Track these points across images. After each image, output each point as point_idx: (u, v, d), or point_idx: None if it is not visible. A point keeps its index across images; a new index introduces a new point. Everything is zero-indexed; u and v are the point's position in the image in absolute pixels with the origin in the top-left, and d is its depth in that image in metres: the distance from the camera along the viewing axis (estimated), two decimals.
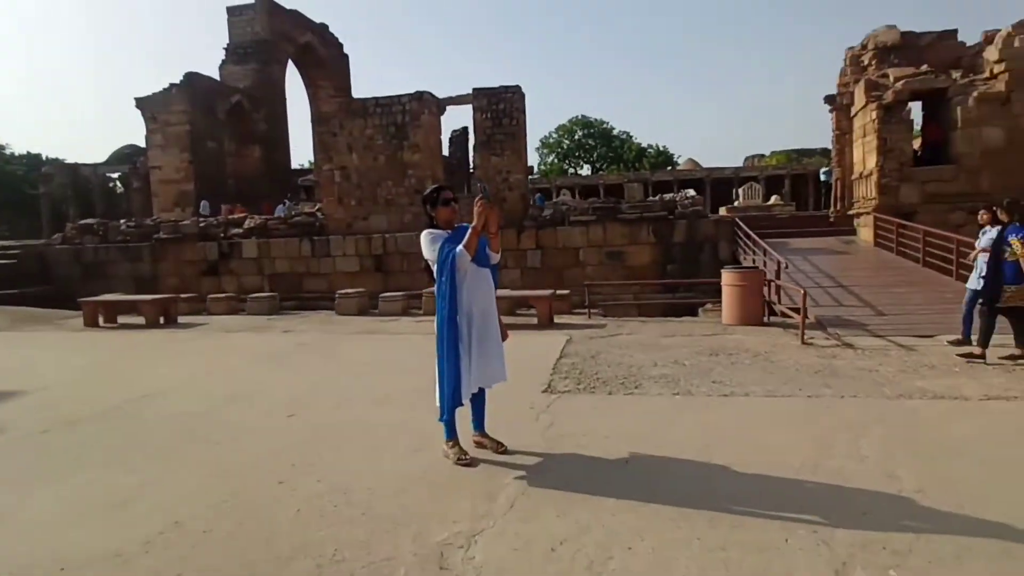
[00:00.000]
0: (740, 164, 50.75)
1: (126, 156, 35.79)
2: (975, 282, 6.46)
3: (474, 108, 16.43)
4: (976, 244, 6.84)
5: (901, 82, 13.48)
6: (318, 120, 33.81)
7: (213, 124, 25.21)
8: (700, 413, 4.48)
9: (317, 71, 33.14)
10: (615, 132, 63.55)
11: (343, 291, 11.50)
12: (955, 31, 14.45)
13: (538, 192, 29.49)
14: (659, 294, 14.71)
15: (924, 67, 13.86)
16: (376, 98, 17.02)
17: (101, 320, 10.51)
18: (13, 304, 15.07)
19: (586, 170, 60.24)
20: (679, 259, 14.88)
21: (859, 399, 4.67)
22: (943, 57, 14.34)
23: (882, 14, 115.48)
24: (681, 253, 14.87)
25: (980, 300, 6.11)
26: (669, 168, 53.62)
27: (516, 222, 16.19)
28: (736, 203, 25.44)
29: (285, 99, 30.84)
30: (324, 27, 33.14)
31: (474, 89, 16.42)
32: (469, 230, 3.40)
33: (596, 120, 63.13)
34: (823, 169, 23.91)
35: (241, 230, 17.69)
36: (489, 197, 3.46)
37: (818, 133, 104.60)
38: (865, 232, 14.37)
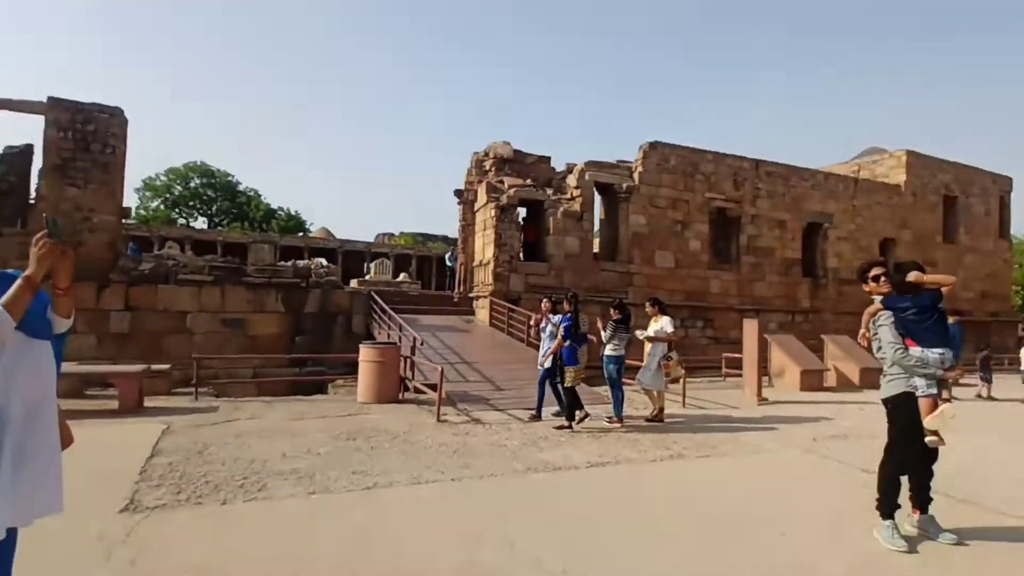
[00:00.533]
0: (372, 239, 52.91)
1: None
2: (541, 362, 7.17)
3: (48, 122, 12.56)
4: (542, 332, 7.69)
5: (513, 190, 15.82)
6: None
7: None
8: (343, 516, 3.56)
9: None
10: (241, 187, 59.13)
11: None
12: (549, 157, 18.00)
13: (131, 241, 24.43)
14: (285, 369, 13.24)
15: (529, 181, 16.65)
16: None
17: None
18: None
19: (202, 223, 53.90)
20: (310, 331, 13.77)
21: (497, 478, 4.46)
22: (541, 176, 17.57)
23: (501, 131, 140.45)
24: (313, 324, 13.81)
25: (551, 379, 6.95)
26: (301, 234, 52.28)
27: (98, 275, 12.65)
28: (368, 277, 25.84)
29: None
30: None
31: (50, 98, 12.63)
32: (18, 280, 1.87)
33: (219, 171, 57.68)
34: (448, 254, 26.43)
35: None
36: (62, 236, 2.00)
37: (442, 220, 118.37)
38: (483, 313, 15.93)
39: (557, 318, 7.18)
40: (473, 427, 6.44)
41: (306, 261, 15.16)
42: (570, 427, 6.50)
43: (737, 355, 10.57)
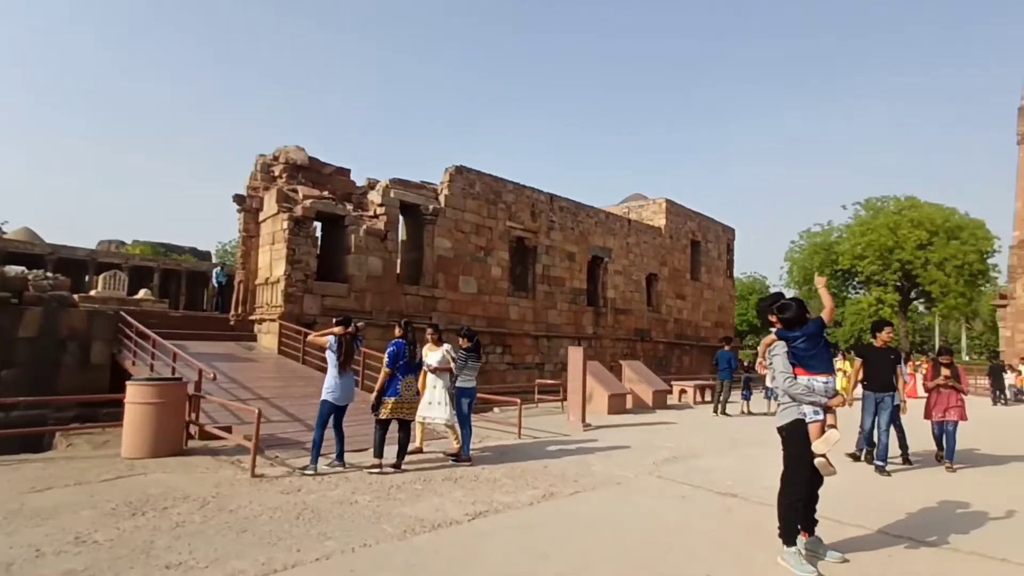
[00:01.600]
0: (94, 247, 43.88)
1: None
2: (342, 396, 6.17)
3: None
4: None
5: (309, 201, 14.30)
6: None
7: None
8: None
9: None
10: None
11: None
12: (350, 170, 16.74)
13: None
14: None
15: (326, 193, 15.25)
16: None
17: None
18: None
19: None
20: (27, 362, 10.47)
21: (371, 548, 3.54)
22: (339, 188, 16.23)
23: (291, 132, 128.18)
24: (31, 353, 10.52)
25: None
26: None
27: None
28: (93, 292, 20.95)
29: None
30: None
31: None
32: None
33: None
34: (217, 269, 22.98)
35: None
36: None
37: (194, 228, 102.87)
38: (269, 339, 13.97)
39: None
40: (302, 481, 5.24)
41: (19, 269, 11.63)
42: (379, 467, 5.67)
43: (551, 381, 10.76)
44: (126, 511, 4.03)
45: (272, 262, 14.34)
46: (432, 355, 6.47)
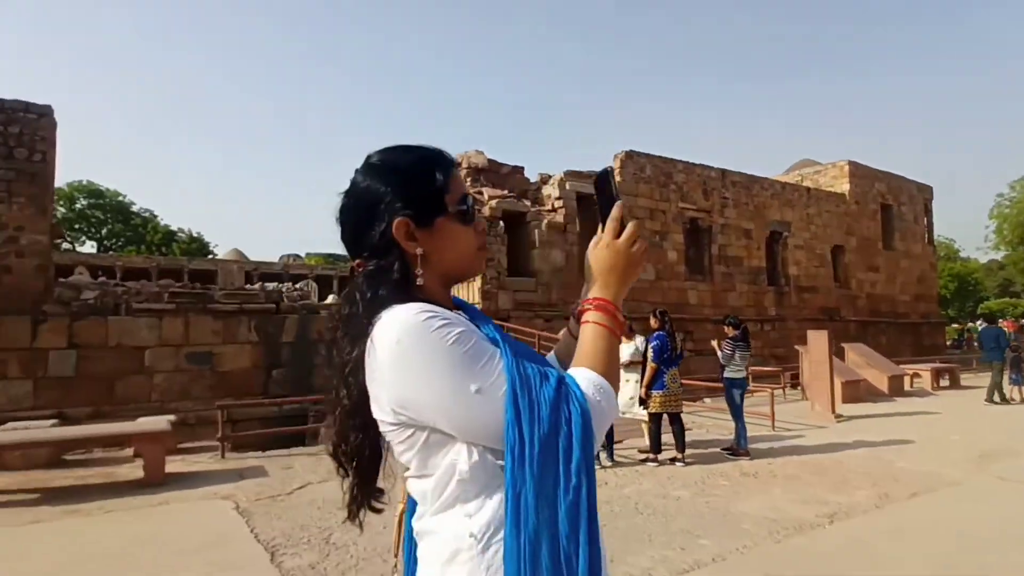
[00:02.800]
0: (276, 260, 49.54)
1: None
2: None
3: None
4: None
5: (495, 201, 14.97)
6: None
7: None
8: None
9: None
10: (135, 208, 53.47)
11: None
12: (523, 167, 17.28)
13: None
14: (260, 408, 11.52)
15: (507, 192, 15.86)
16: None
17: None
18: None
19: (89, 247, 48.07)
20: (288, 362, 12.12)
21: (755, 549, 3.65)
22: (516, 186, 16.81)
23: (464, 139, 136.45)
24: (291, 355, 12.16)
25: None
26: (210, 256, 47.95)
27: (30, 307, 10.41)
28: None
29: None
30: None
31: None
32: (597, 326, 0.93)
33: (108, 190, 51.68)
34: None
35: None
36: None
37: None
38: None
39: (638, 339, 6.44)
40: (600, 474, 5.55)
41: (275, 284, 13.41)
42: (655, 460, 5.86)
43: (768, 369, 10.38)
44: None
45: None
46: (624, 348, 6.44)
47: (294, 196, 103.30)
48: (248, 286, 12.61)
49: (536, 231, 15.31)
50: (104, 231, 51.24)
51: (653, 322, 6.25)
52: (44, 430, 6.08)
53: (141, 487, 4.95)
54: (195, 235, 57.36)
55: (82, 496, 4.70)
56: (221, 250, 54.43)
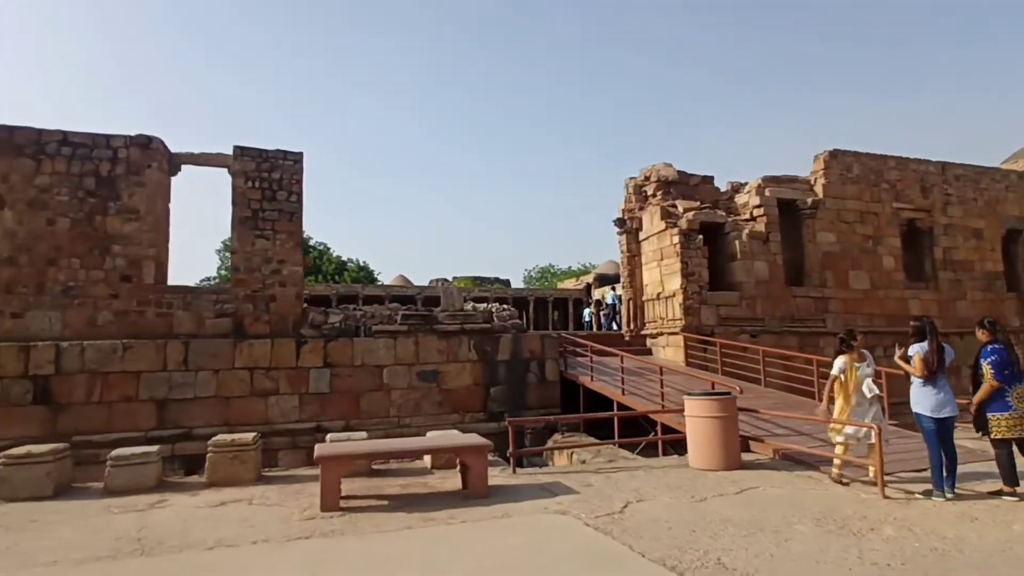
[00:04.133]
0: (427, 285, 52.39)
1: None
2: (937, 408, 5.40)
3: (235, 173, 11.97)
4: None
5: (691, 213, 14.51)
6: None
7: None
8: None
9: None
10: (311, 242, 59.80)
11: (19, 450, 5.69)
12: (713, 177, 16.67)
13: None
14: (482, 423, 12.01)
15: (699, 203, 15.31)
16: (64, 132, 11.15)
17: None
18: None
19: None
20: (505, 380, 12.55)
21: None
22: (706, 197, 16.21)
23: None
24: (507, 373, 12.59)
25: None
26: (379, 284, 52.05)
27: (291, 331, 11.82)
28: None
29: None
30: None
31: (237, 148, 12.07)
32: None
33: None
34: (610, 290, 25.40)
35: None
36: None
37: (496, 263, 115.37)
38: (669, 352, 14.46)
39: (917, 348, 5.64)
40: (949, 507, 4.93)
41: (484, 305, 14.03)
42: (1013, 494, 5.05)
43: None
44: (832, 526, 4.21)
45: (663, 277, 14.88)
46: (837, 363, 6.02)
47: (435, 223, 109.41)
48: (467, 307, 13.28)
49: (736, 242, 14.60)
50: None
51: (982, 335, 5.50)
52: (394, 441, 6.62)
53: (467, 498, 5.23)
54: (362, 264, 62.71)
55: (422, 504, 5.05)
56: (385, 277, 59.01)
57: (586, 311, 35.02)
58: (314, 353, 11.51)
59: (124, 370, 10.43)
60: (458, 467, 5.77)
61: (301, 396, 11.35)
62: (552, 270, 71.63)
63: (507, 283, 59.25)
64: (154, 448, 5.95)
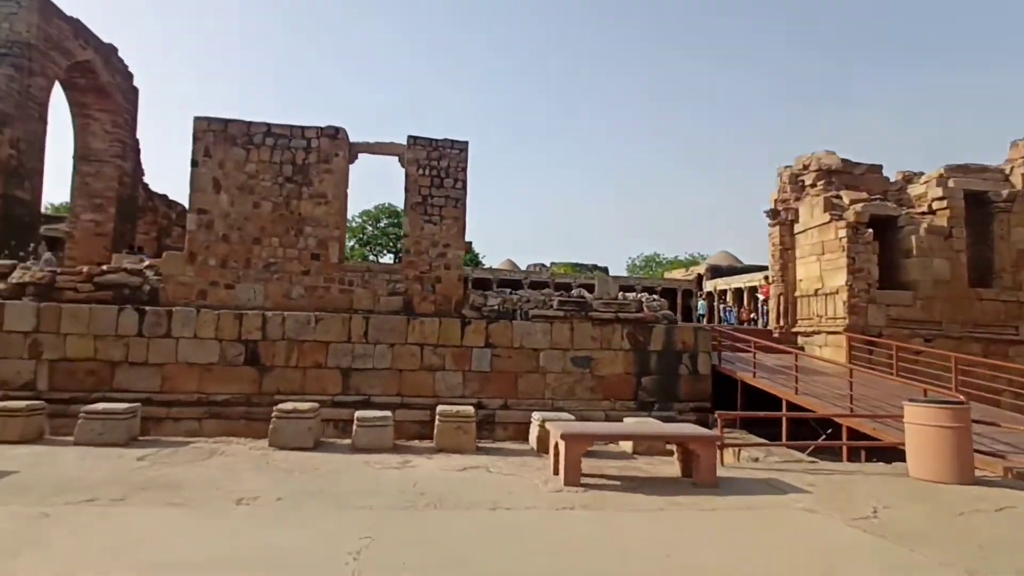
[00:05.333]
0: (523, 269, 52.68)
1: None
2: None
3: (407, 161, 12.78)
4: None
5: (859, 205, 13.61)
6: (85, 156, 26.35)
7: None
8: None
9: (93, 99, 25.85)
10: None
11: (288, 404, 6.56)
12: (881, 166, 15.54)
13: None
14: (632, 412, 12.10)
15: (865, 194, 14.33)
16: (268, 124, 12.41)
17: None
18: None
19: (388, 258, 57.22)
20: (656, 371, 12.56)
21: None
22: (873, 187, 15.14)
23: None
24: (658, 364, 12.59)
25: None
26: (486, 267, 53.29)
27: (454, 311, 12.51)
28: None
29: (46, 124, 23.08)
30: (112, 49, 26.55)
31: (410, 137, 12.86)
32: None
33: (403, 211, 60.58)
34: (758, 285, 24.77)
35: (4, 285, 10.94)
36: None
37: (590, 249, 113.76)
38: (828, 352, 13.75)
39: None
40: None
41: (634, 294, 14.03)
42: None
43: None
44: None
45: (823, 273, 14.13)
46: None
47: (532, 207, 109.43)
48: (622, 296, 13.38)
49: (912, 237, 13.54)
50: (399, 244, 60.47)
51: None
52: (621, 425, 6.82)
53: (697, 486, 5.35)
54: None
55: (655, 488, 5.22)
56: (491, 260, 60.32)
57: (699, 303, 34.05)
58: (477, 333, 12.11)
59: (315, 339, 11.54)
60: (676, 455, 5.91)
61: (464, 373, 12.01)
62: (657, 259, 69.97)
63: (605, 271, 58.69)
64: (388, 413, 6.61)
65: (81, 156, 26.26)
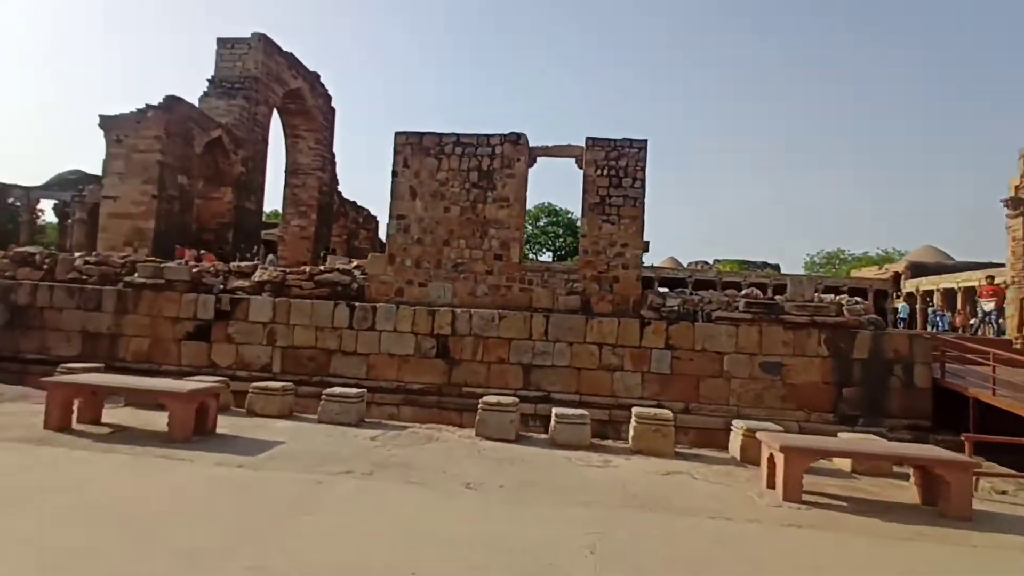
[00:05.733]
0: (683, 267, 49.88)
1: (69, 182, 29.96)
2: None
3: (586, 162, 12.92)
4: None
5: None
6: (293, 170, 30.27)
7: (188, 158, 20.82)
8: None
9: (301, 120, 29.76)
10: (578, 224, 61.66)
11: (491, 398, 7.03)
12: None
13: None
14: (831, 425, 11.05)
15: None
16: (457, 135, 13.28)
17: (74, 418, 5.65)
18: None
19: (546, 256, 57.88)
20: (860, 381, 11.35)
21: None
22: None
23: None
24: (863, 374, 11.37)
25: None
26: (647, 266, 51.89)
27: (631, 311, 12.40)
28: None
29: (267, 144, 26.89)
30: (316, 76, 30.21)
31: (588, 139, 12.99)
32: None
33: (563, 210, 61.13)
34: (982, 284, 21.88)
35: (248, 283, 12.96)
36: None
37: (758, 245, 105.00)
38: None
39: None
40: None
41: (832, 296, 12.84)
42: None
43: None
44: None
45: None
46: None
47: (696, 203, 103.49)
48: (818, 297, 12.35)
49: None
50: (558, 243, 61.14)
51: None
52: (847, 442, 6.24)
53: (943, 517, 4.72)
54: None
55: (890, 514, 4.69)
56: (652, 258, 58.52)
57: (899, 305, 30.11)
58: (656, 335, 11.89)
59: (499, 336, 12.15)
60: (914, 480, 5.30)
61: (643, 374, 11.86)
62: (841, 255, 63.07)
63: (776, 268, 53.85)
64: (584, 411, 6.76)
65: (290, 170, 30.45)
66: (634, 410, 6.76)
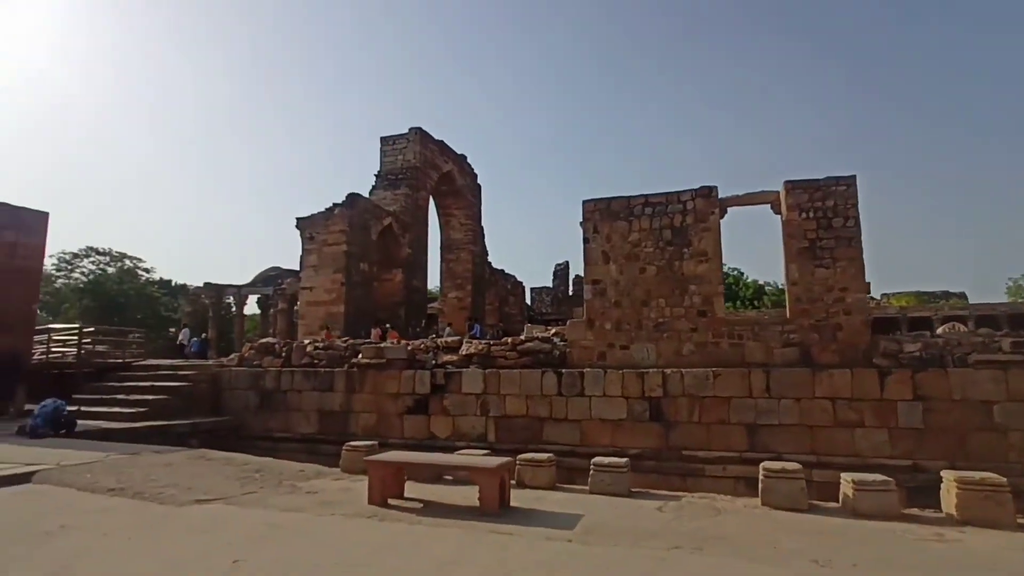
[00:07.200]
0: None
1: (270, 278, 34.38)
2: None
3: (788, 207, 12.32)
4: None
5: None
6: (448, 246, 32.25)
7: (367, 246, 23.04)
8: None
9: (452, 199, 32.02)
10: (724, 268, 57.40)
11: (773, 464, 6.58)
12: None
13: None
14: None
15: None
16: (645, 196, 13.36)
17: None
18: (183, 439, 11.40)
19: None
20: None
21: None
22: None
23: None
24: None
25: None
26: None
27: (860, 359, 11.28)
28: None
29: (427, 225, 29.07)
30: (463, 157, 32.49)
31: (787, 182, 12.44)
32: None
33: (732, 269, 57.62)
34: None
35: (456, 356, 13.67)
36: None
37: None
38: None
39: None
40: None
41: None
42: None
43: None
44: None
45: None
46: None
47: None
48: None
49: None
50: (734, 290, 57.46)
51: None
52: None
53: None
54: (780, 286, 57.64)
55: None
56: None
57: None
58: (900, 384, 10.66)
59: (715, 395, 11.58)
60: None
61: (890, 430, 10.61)
62: None
63: (963, 297, 46.68)
64: (890, 478, 6.08)
65: (445, 246, 32.57)
66: (950, 474, 5.94)
